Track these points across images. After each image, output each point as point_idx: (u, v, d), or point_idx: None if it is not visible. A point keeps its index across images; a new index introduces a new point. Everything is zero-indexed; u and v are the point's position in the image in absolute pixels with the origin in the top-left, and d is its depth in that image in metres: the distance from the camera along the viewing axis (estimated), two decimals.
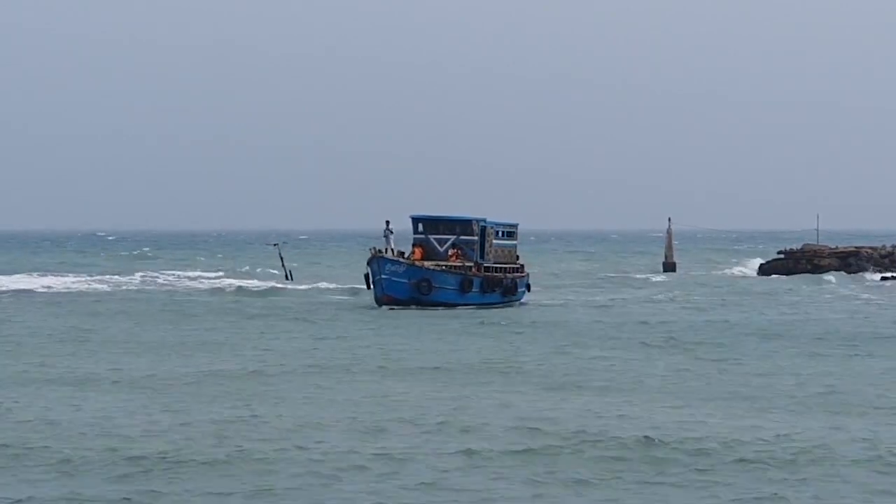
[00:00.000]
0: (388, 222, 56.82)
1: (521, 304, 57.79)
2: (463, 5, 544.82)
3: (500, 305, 56.29)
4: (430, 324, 46.57)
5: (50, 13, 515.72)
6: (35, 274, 78.70)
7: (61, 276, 77.42)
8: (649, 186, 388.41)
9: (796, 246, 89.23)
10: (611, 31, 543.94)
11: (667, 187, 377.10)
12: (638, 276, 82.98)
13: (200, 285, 70.54)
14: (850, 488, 19.03)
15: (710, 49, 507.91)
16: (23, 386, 28.98)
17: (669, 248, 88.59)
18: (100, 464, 20.20)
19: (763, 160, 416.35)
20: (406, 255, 55.97)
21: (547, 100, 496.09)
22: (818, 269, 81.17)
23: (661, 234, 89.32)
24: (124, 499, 18.19)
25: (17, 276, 76.48)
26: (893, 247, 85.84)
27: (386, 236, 56.61)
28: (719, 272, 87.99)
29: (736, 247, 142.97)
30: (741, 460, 20.65)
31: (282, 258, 74.39)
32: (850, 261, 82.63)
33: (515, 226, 60.96)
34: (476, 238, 57.15)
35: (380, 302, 54.18)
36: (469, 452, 20.92)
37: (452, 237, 56.95)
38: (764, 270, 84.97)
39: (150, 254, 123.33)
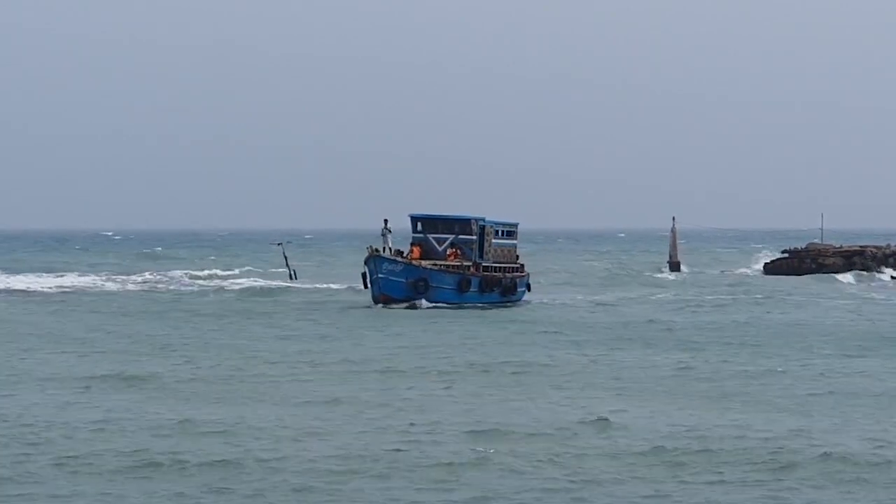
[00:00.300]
0: (386, 221, 56.20)
1: (522, 303, 56.99)
2: (463, 5, 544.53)
3: (500, 305, 55.50)
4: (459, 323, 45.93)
5: (50, 13, 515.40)
6: (45, 274, 78.60)
7: (71, 275, 77.55)
8: (649, 186, 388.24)
9: (800, 245, 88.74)
10: (611, 31, 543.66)
11: (667, 187, 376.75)
12: (657, 275, 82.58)
13: (221, 284, 70.21)
14: None
15: (710, 49, 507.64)
16: (33, 385, 28.93)
17: (674, 247, 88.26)
18: (101, 463, 20.13)
19: (763, 160, 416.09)
20: (405, 255, 55.25)
21: (547, 100, 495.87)
22: (823, 269, 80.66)
23: (667, 233, 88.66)
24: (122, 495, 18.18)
25: (27, 275, 76.66)
26: None
27: (384, 235, 55.96)
28: (736, 271, 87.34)
29: (740, 246, 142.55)
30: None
31: (286, 258, 73.84)
32: (855, 260, 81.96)
33: (515, 225, 60.36)
34: (475, 237, 56.60)
35: (377, 301, 53.61)
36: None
37: (451, 236, 56.43)
38: (769, 270, 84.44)
39: (161, 253, 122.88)
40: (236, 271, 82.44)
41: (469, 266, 55.77)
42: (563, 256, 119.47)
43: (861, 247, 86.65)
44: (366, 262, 54.31)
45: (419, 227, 56.97)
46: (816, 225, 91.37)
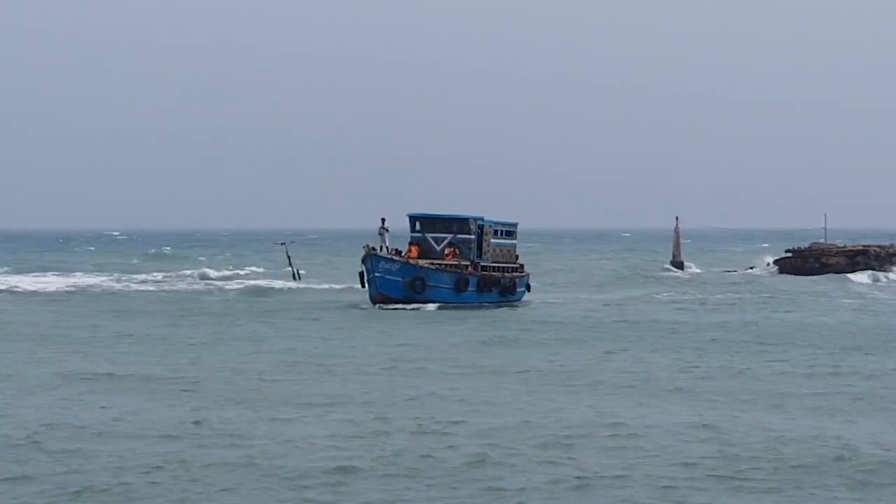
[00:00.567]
0: (383, 220, 55.54)
1: (522, 303, 56.31)
2: (463, 5, 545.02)
3: (499, 305, 54.86)
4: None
5: (50, 13, 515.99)
6: (57, 274, 78.68)
7: (85, 275, 77.69)
8: (649, 186, 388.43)
9: (804, 244, 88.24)
10: (611, 31, 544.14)
11: (667, 187, 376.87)
12: (660, 274, 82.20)
13: (239, 284, 69.99)
14: None
15: (710, 49, 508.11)
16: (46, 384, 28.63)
17: (677, 246, 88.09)
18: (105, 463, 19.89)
19: (763, 160, 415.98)
20: (403, 255, 54.70)
21: (547, 100, 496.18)
22: (826, 268, 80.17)
23: (672, 233, 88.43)
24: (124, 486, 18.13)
25: (38, 274, 76.90)
26: None
27: (381, 234, 55.37)
28: (742, 270, 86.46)
29: (745, 246, 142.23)
30: None
31: (289, 257, 73.53)
32: (859, 259, 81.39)
33: (515, 225, 59.80)
34: (473, 237, 56.04)
35: (374, 300, 53.07)
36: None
37: (449, 236, 55.92)
38: (770, 269, 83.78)
39: (172, 253, 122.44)
40: (248, 271, 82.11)
41: (467, 265, 55.20)
42: (566, 256, 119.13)
43: (865, 246, 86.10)
44: (363, 261, 53.78)
45: (417, 226, 56.44)
46: (818, 224, 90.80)
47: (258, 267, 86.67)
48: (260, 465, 19.58)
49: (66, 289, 65.89)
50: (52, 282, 70.82)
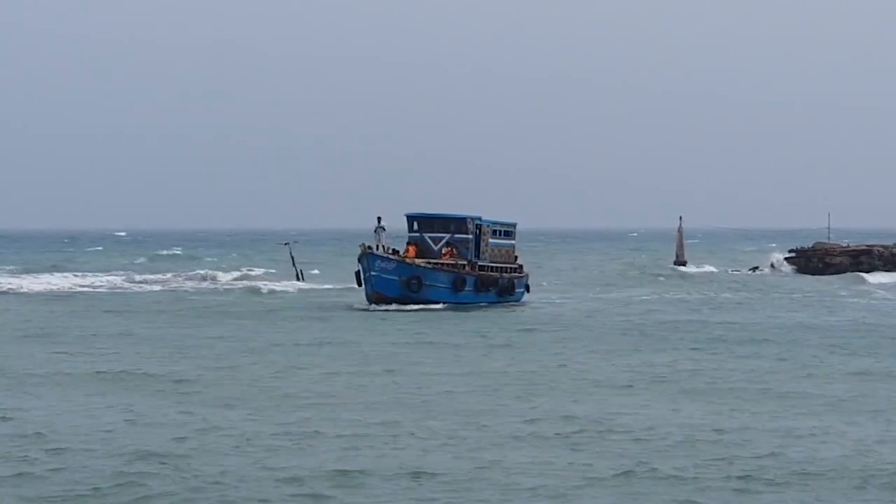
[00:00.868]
0: (379, 218, 54.84)
1: (522, 303, 55.59)
2: (463, 5, 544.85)
3: (496, 306, 54.14)
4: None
5: (50, 13, 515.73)
6: (63, 274, 78.40)
7: (98, 275, 77.59)
8: (649, 186, 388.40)
9: (807, 244, 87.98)
10: (611, 31, 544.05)
11: (667, 187, 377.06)
12: (663, 273, 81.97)
13: (239, 285, 69.85)
14: None
15: (710, 49, 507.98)
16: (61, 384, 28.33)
17: (681, 246, 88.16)
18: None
19: (763, 160, 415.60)
20: (400, 254, 54.03)
21: (547, 100, 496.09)
22: (829, 268, 79.96)
23: (677, 233, 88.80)
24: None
25: (49, 274, 76.82)
26: None
27: (377, 232, 54.64)
28: (746, 270, 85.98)
29: (748, 245, 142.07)
30: None
31: (292, 257, 73.12)
32: (862, 259, 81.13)
33: (513, 225, 59.19)
34: (471, 236, 55.41)
35: (370, 299, 52.48)
36: None
37: (447, 235, 55.31)
38: (762, 270, 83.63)
39: (180, 253, 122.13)
40: (257, 272, 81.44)
41: (464, 265, 54.56)
42: (568, 256, 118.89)
43: (868, 246, 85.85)
44: (359, 260, 53.19)
45: (415, 226, 55.89)
46: (820, 224, 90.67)
47: (265, 267, 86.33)
48: (267, 466, 19.27)
49: (79, 289, 65.57)
50: (61, 282, 70.89)
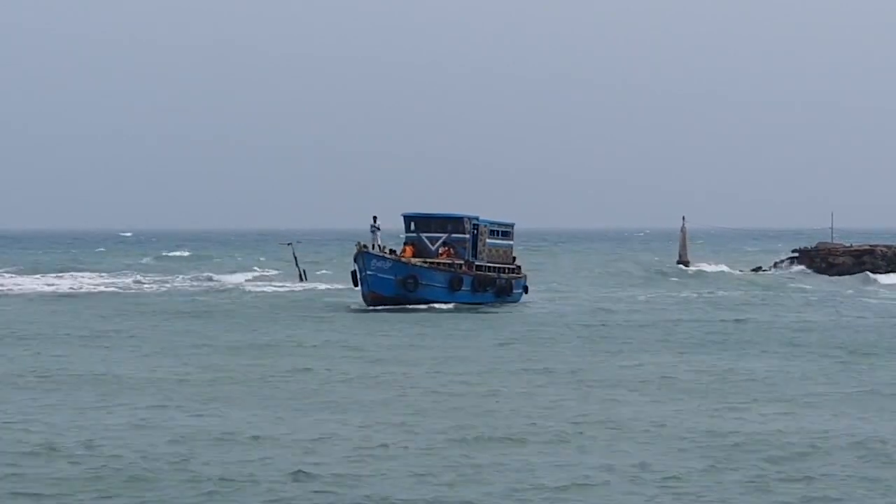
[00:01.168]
0: (375, 217, 54.16)
1: (520, 304, 54.85)
2: (463, 5, 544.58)
3: (494, 306, 53.35)
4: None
5: (50, 13, 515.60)
6: (83, 274, 78.53)
7: (102, 275, 77.58)
8: (649, 186, 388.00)
9: (809, 244, 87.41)
10: (611, 31, 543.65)
11: (667, 187, 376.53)
12: (666, 273, 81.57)
13: (247, 287, 68.85)
14: None
15: (710, 49, 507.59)
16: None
17: (684, 246, 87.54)
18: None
19: (763, 160, 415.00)
20: (397, 255, 53.36)
21: (547, 100, 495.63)
22: (833, 268, 79.41)
23: (684, 233, 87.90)
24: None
25: (58, 275, 76.86)
26: None
27: (373, 231, 54.02)
28: (751, 269, 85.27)
29: (756, 246, 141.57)
30: None
31: (295, 258, 72.47)
32: (865, 259, 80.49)
33: (511, 225, 58.60)
34: (468, 236, 54.82)
35: (366, 299, 51.86)
36: None
37: (444, 235, 54.75)
38: (778, 268, 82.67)
39: (188, 255, 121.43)
40: (270, 272, 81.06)
41: (461, 264, 53.94)
42: (570, 256, 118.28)
43: (871, 246, 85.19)
44: (355, 260, 52.60)
45: (412, 226, 55.36)
46: (821, 224, 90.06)
47: (272, 268, 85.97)
48: (277, 466, 19.10)
49: (93, 289, 65.32)
50: (72, 282, 70.84)
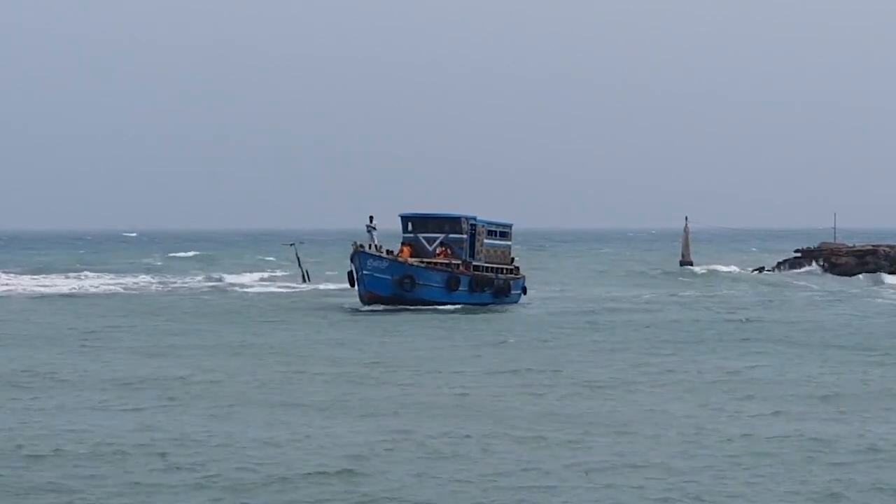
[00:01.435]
0: (371, 217, 53.55)
1: (519, 304, 54.32)
2: (463, 5, 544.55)
3: (492, 307, 52.74)
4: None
5: (50, 13, 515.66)
6: (98, 274, 78.62)
7: (118, 276, 77.73)
8: (649, 186, 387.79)
9: (811, 244, 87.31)
10: (611, 31, 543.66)
11: (667, 187, 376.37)
12: (669, 273, 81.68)
13: (254, 288, 68.59)
14: None
15: (710, 49, 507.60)
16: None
17: (686, 246, 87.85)
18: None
19: (763, 160, 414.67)
20: (394, 255, 52.86)
21: (547, 100, 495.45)
22: (835, 268, 79.07)
23: (688, 233, 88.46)
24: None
25: (68, 276, 77.33)
26: None
27: (369, 231, 53.40)
28: (753, 270, 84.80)
29: (752, 246, 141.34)
30: None
31: (298, 258, 72.07)
32: (868, 259, 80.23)
33: (509, 226, 57.97)
34: (465, 236, 54.28)
35: (363, 300, 51.42)
36: None
37: (441, 236, 54.19)
38: (781, 269, 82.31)
39: (196, 255, 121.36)
40: (284, 273, 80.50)
41: (458, 264, 53.36)
42: (572, 256, 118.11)
43: (874, 246, 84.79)
44: (351, 259, 52.16)
45: (409, 227, 54.83)
46: (822, 224, 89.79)
47: (280, 268, 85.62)
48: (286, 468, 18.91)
49: (121, 290, 65.21)
50: (84, 283, 70.88)
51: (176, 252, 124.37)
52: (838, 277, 75.24)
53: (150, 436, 21.43)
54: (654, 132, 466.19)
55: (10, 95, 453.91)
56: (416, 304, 50.82)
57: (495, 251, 55.67)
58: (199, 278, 76.31)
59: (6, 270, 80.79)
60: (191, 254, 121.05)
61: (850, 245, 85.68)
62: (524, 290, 56.64)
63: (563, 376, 29.38)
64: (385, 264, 51.30)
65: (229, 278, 75.36)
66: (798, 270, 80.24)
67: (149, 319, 46.57)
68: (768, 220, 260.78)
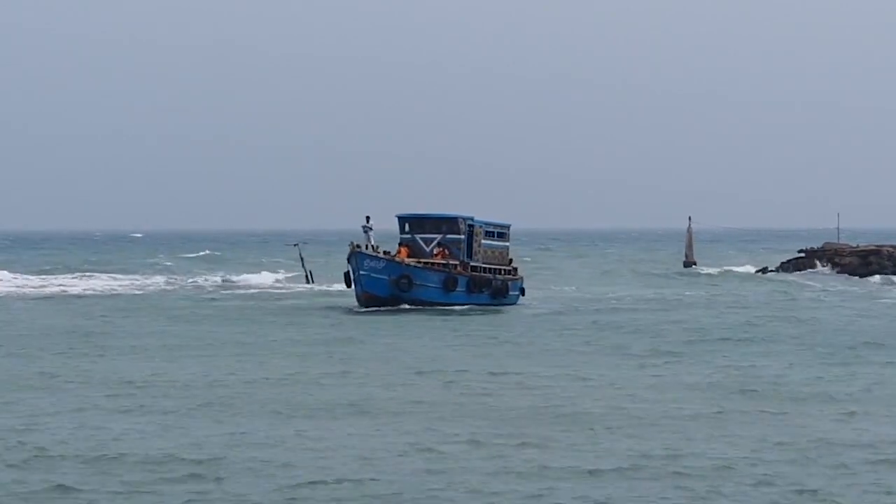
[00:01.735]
0: (367, 217, 53.23)
1: (518, 305, 53.75)
2: (463, 5, 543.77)
3: (489, 307, 52.13)
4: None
5: (50, 13, 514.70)
6: (112, 275, 78.53)
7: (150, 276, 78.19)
8: (649, 186, 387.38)
9: (815, 244, 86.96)
10: (611, 31, 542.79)
11: (667, 187, 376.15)
12: (672, 273, 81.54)
13: (258, 288, 68.12)
14: None
15: (710, 49, 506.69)
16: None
17: (689, 246, 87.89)
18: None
19: (763, 160, 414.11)
20: (391, 255, 52.37)
21: (547, 100, 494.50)
22: (839, 268, 78.45)
23: (687, 233, 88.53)
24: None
25: (77, 276, 77.36)
26: None
27: (366, 231, 53.12)
28: (754, 270, 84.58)
29: (753, 246, 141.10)
30: None
31: (302, 259, 71.87)
32: (872, 259, 79.76)
33: (507, 227, 57.55)
34: (463, 237, 53.84)
35: (360, 300, 50.98)
36: None
37: (438, 236, 53.77)
38: (785, 269, 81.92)
39: (214, 256, 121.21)
40: (292, 273, 79.59)
41: (456, 265, 52.86)
42: (572, 257, 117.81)
43: (877, 246, 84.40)
44: (348, 260, 51.85)
45: (406, 227, 54.44)
46: (823, 224, 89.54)
47: (286, 269, 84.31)
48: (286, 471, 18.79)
49: (135, 291, 64.90)
50: (97, 283, 70.88)
51: (184, 253, 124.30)
52: (850, 278, 74.60)
53: (152, 437, 21.23)
54: (654, 132, 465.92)
55: (10, 95, 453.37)
56: (413, 305, 50.39)
57: (493, 252, 55.19)
58: (208, 278, 76.07)
59: (13, 271, 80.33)
60: (200, 254, 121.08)
61: (854, 245, 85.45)
62: (522, 291, 56.11)
63: (565, 376, 29.04)
64: (382, 265, 50.85)
65: (237, 278, 75.05)
66: (807, 271, 79.59)
67: (154, 319, 46.27)
68: (769, 220, 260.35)
